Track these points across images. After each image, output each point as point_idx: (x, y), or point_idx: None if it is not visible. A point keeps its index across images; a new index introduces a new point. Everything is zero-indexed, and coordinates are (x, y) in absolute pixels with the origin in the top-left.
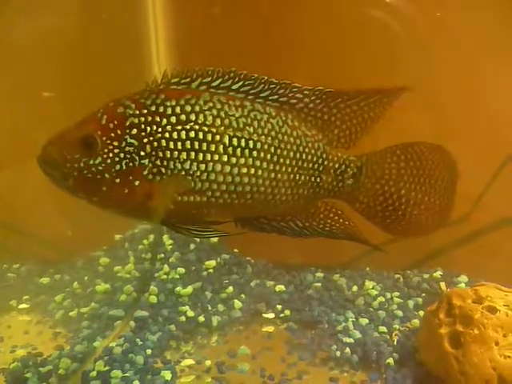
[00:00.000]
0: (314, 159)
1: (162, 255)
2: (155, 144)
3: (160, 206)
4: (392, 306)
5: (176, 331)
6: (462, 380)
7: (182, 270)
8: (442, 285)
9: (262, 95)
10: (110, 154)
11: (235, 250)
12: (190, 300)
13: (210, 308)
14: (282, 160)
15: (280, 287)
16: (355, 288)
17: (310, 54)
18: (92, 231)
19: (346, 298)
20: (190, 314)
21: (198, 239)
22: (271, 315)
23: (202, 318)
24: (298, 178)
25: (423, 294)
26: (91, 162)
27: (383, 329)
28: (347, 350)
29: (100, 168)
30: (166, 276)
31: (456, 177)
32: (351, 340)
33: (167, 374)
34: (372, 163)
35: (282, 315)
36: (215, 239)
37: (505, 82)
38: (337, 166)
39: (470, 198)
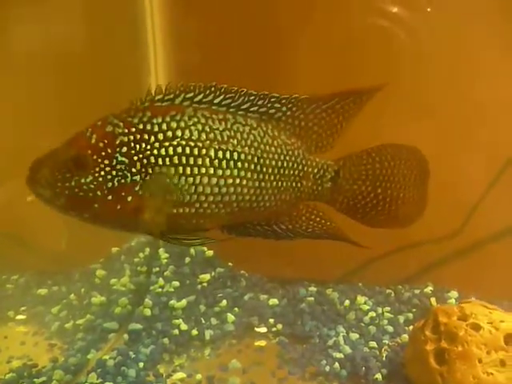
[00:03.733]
0: (295, 166)
1: (158, 268)
2: (145, 161)
3: (151, 219)
4: (383, 321)
5: (169, 344)
6: None
7: (176, 283)
8: (433, 300)
9: (242, 107)
10: (102, 173)
11: (230, 264)
12: (184, 313)
13: (203, 321)
14: (264, 169)
15: (273, 301)
16: (347, 302)
17: (312, 63)
18: (89, 244)
19: (338, 312)
20: (184, 327)
21: (193, 253)
22: (263, 329)
23: (195, 332)
24: (280, 184)
25: (414, 310)
26: (83, 181)
27: (373, 344)
28: (336, 364)
29: (92, 186)
30: (160, 289)
31: (427, 173)
32: (341, 355)
33: None
34: (349, 166)
35: (274, 329)
36: (210, 253)
37: (505, 89)
38: (316, 171)
39: (462, 212)
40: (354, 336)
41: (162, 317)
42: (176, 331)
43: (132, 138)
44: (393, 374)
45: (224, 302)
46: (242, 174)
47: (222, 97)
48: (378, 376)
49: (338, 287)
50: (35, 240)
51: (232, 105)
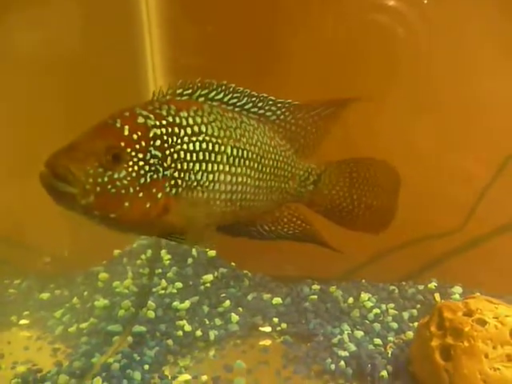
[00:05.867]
0: (285, 167)
1: (160, 270)
2: (175, 156)
3: (175, 220)
4: (387, 318)
5: (173, 346)
6: None
7: (179, 284)
8: (437, 296)
9: (245, 107)
10: (135, 167)
11: (232, 264)
12: (188, 314)
13: (207, 322)
14: (263, 168)
15: (277, 300)
16: (351, 300)
17: (309, 62)
18: (92, 246)
19: (342, 310)
20: (188, 328)
21: (195, 254)
22: (268, 328)
23: (199, 333)
24: (272, 184)
25: (418, 306)
26: (116, 176)
27: (378, 341)
28: (342, 362)
29: (125, 182)
30: (163, 291)
31: (398, 185)
32: (346, 353)
33: None
34: (329, 172)
35: (278, 328)
36: (213, 253)
37: (504, 86)
38: (301, 173)
39: (464, 208)
40: (359, 333)
41: (166, 318)
42: (180, 332)
43: (164, 130)
44: (398, 371)
45: (227, 302)
46: (248, 172)
47: (230, 96)
48: (384, 373)
49: (342, 285)
50: (37, 244)
51: (237, 104)
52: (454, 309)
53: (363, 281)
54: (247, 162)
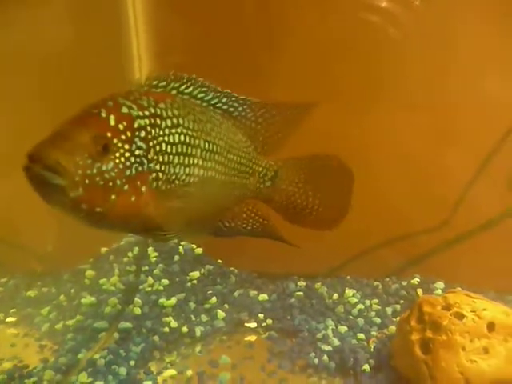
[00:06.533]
0: (247, 163)
1: (147, 267)
2: (157, 148)
3: (154, 215)
4: (371, 313)
5: (159, 342)
6: None
7: (166, 281)
8: (419, 291)
9: (211, 102)
10: (122, 159)
11: (219, 261)
12: (174, 311)
13: (193, 318)
14: (229, 163)
15: (263, 296)
16: (336, 296)
17: (299, 60)
18: (78, 244)
19: (327, 306)
20: (174, 324)
21: (182, 251)
22: (253, 324)
23: (185, 329)
24: (236, 180)
25: (401, 301)
26: (104, 168)
27: (361, 336)
28: (325, 357)
29: (113, 174)
30: (150, 288)
31: (352, 182)
32: (329, 348)
33: None
34: (286, 168)
35: (264, 324)
36: (199, 251)
37: (487, 83)
38: (261, 169)
39: (447, 205)
40: (343, 328)
41: (152, 315)
42: (166, 329)
43: (148, 121)
44: (380, 365)
45: (214, 298)
46: (217, 167)
47: (198, 90)
48: (366, 367)
49: (327, 281)
50: (23, 242)
51: (205, 99)
52: (433, 303)
53: (348, 277)
54: (216, 157)
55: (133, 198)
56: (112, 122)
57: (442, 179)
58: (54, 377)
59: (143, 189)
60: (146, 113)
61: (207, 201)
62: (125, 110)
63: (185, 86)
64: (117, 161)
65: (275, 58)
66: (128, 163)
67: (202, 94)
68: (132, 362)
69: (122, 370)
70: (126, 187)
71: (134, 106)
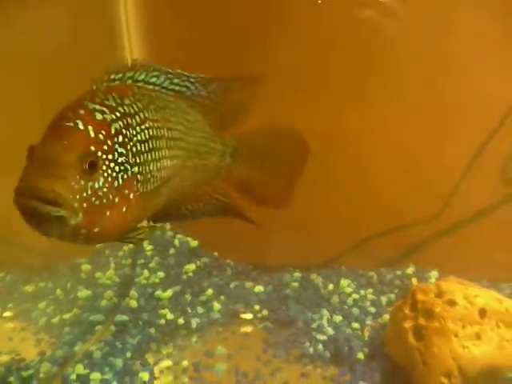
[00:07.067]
0: (206, 143)
1: (142, 260)
2: (134, 149)
3: (133, 218)
4: (365, 303)
5: (156, 334)
6: (424, 370)
7: (161, 274)
8: (414, 281)
9: (163, 86)
10: (109, 171)
11: (215, 254)
12: (170, 303)
13: (189, 310)
14: (190, 147)
15: (259, 288)
16: (331, 286)
17: (293, 56)
18: None
19: (322, 296)
20: (170, 316)
21: (177, 244)
22: (249, 316)
23: (181, 321)
24: (198, 161)
25: (396, 291)
26: (96, 186)
27: (356, 325)
28: (320, 346)
29: (105, 190)
30: (146, 281)
31: (307, 153)
32: (324, 337)
33: (145, 376)
34: (244, 143)
35: (259, 315)
36: (195, 243)
37: (478, 76)
38: (220, 147)
39: (441, 195)
40: (338, 318)
41: (148, 307)
42: (162, 321)
43: (121, 124)
44: (374, 353)
45: (210, 290)
46: (180, 153)
47: (150, 74)
48: (360, 355)
49: (322, 272)
50: (19, 237)
51: (157, 83)
52: (426, 291)
53: (343, 268)
54: (178, 143)
55: (124, 209)
56: (92, 134)
57: (435, 171)
58: (51, 369)
59: (131, 196)
60: (118, 114)
61: (175, 189)
62: (99, 116)
63: (138, 73)
64: (105, 175)
65: (272, 53)
66: (114, 174)
67: (154, 79)
68: (128, 354)
69: (119, 362)
70: (116, 200)
71: (105, 109)
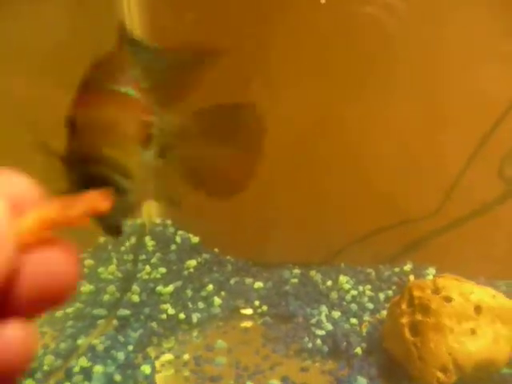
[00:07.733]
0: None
1: (144, 256)
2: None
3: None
4: (364, 299)
5: (157, 328)
6: (421, 365)
7: (163, 269)
8: (412, 278)
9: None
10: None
11: (215, 250)
12: (171, 298)
13: (190, 306)
14: None
15: (259, 284)
16: (330, 283)
17: (295, 52)
18: (77, 234)
19: (321, 292)
20: (171, 311)
21: (179, 240)
22: (249, 311)
23: (182, 316)
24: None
25: (393, 287)
26: (150, 157)
27: (354, 321)
28: (319, 341)
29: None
30: (147, 276)
31: (264, 132)
32: (323, 332)
33: (147, 369)
34: (195, 121)
35: (259, 311)
36: (196, 240)
37: (478, 70)
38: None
39: (440, 192)
40: (336, 314)
41: (150, 302)
42: (164, 316)
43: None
44: (372, 348)
45: (210, 286)
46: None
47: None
48: (358, 350)
49: (321, 269)
50: None
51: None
52: (423, 287)
53: (342, 265)
54: None
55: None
56: (143, 102)
57: (434, 167)
58: (55, 362)
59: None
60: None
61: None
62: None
63: None
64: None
65: (272, 48)
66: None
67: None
68: (130, 348)
69: (121, 355)
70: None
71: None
